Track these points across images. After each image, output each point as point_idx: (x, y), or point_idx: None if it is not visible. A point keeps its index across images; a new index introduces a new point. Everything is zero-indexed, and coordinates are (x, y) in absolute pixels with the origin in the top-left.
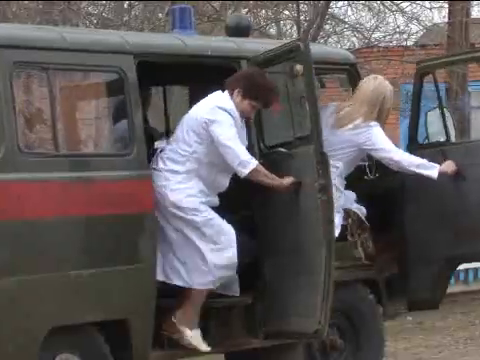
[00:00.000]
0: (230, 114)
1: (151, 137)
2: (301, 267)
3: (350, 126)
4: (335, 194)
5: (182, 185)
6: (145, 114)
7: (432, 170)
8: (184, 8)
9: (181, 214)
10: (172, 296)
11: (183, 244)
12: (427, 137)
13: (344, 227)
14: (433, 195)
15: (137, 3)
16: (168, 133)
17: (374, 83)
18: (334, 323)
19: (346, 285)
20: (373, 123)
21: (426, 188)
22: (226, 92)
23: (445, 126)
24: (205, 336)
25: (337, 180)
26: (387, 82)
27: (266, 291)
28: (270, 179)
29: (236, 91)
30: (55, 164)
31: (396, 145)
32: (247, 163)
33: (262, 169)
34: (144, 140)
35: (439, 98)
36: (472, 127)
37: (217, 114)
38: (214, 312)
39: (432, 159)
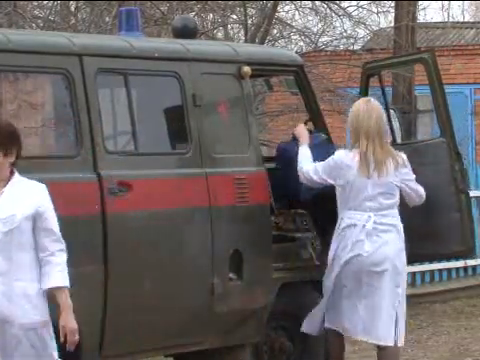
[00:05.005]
0: None
1: None
2: None
3: None
4: None
5: None
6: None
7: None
8: (131, 10)
9: None
10: None
11: None
12: None
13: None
14: None
15: (84, 6)
16: None
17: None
18: (282, 325)
19: (294, 286)
20: None
21: None
22: None
23: (391, 128)
24: None
25: None
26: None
27: None
28: None
29: None
30: None
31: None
32: None
33: None
34: (91, 142)
35: (385, 100)
36: (418, 130)
37: None
38: None
39: None
